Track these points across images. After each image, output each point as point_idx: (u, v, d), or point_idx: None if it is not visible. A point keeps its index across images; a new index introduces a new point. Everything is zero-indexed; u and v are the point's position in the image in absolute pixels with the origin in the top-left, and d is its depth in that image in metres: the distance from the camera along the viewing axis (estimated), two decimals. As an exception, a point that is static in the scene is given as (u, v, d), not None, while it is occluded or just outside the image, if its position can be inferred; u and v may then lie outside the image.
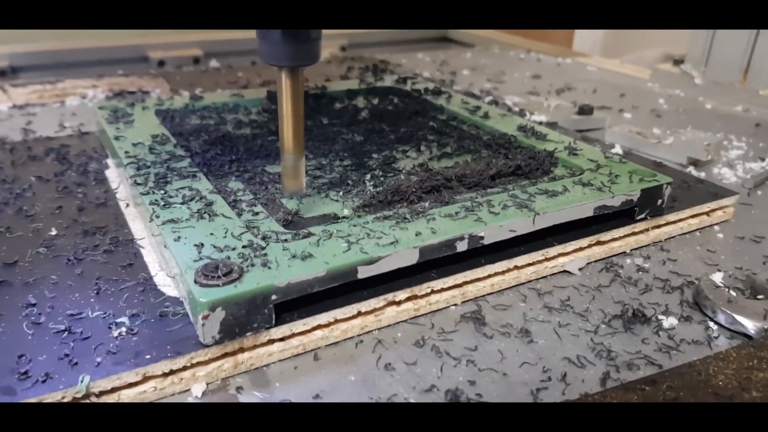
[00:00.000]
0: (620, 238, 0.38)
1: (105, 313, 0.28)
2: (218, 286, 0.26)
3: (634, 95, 0.72)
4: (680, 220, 0.40)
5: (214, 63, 0.79)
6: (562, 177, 0.39)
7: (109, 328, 0.27)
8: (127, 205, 0.38)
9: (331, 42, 0.92)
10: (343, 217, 0.34)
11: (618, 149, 0.50)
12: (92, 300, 0.29)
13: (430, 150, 0.44)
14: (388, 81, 0.58)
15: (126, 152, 0.39)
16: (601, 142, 0.53)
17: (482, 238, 0.32)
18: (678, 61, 0.85)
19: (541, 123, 0.52)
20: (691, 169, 0.50)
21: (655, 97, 0.72)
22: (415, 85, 0.57)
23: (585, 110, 0.60)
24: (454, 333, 0.30)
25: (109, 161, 0.44)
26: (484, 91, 0.69)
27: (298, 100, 0.33)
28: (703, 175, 0.49)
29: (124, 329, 0.27)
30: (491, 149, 0.43)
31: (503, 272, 0.34)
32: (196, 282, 0.26)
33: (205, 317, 0.26)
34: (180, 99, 0.50)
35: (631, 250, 0.38)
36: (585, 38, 1.30)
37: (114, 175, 0.42)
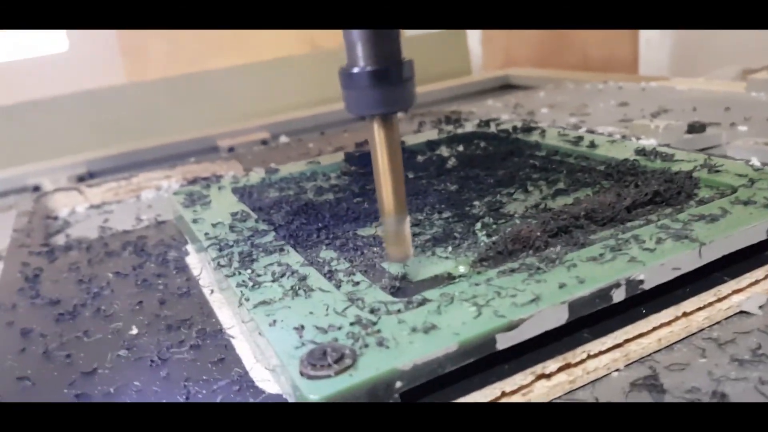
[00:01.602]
0: (800, 263, 0.30)
1: (198, 424, 0.23)
2: (329, 376, 0.21)
3: (740, 108, 0.65)
4: None
5: (283, 138, 0.78)
6: (711, 199, 0.32)
7: (204, 442, 0.22)
8: (212, 291, 0.34)
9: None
10: (460, 276, 0.28)
11: (756, 162, 0.42)
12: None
13: (540, 189, 0.38)
14: (469, 127, 0.53)
15: (206, 234, 0.35)
16: (730, 158, 0.45)
17: (642, 282, 0.25)
18: (775, 68, 0.77)
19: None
20: None
21: (764, 106, 0.64)
22: (500, 126, 0.52)
23: (696, 128, 0.53)
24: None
25: (189, 247, 0.40)
26: (570, 126, 0.63)
27: (395, 152, 0.28)
28: None
29: (221, 443, 0.22)
30: (613, 179, 0.37)
31: (669, 322, 0.27)
32: (302, 374, 0.21)
33: (319, 419, 0.20)
34: (255, 174, 0.47)
35: (815, 276, 0.30)
36: (649, 65, 1.23)
37: (195, 261, 0.39)
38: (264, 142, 0.81)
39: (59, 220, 0.53)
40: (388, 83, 0.27)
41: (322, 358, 0.22)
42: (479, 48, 1.25)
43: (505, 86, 1.06)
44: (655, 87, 0.78)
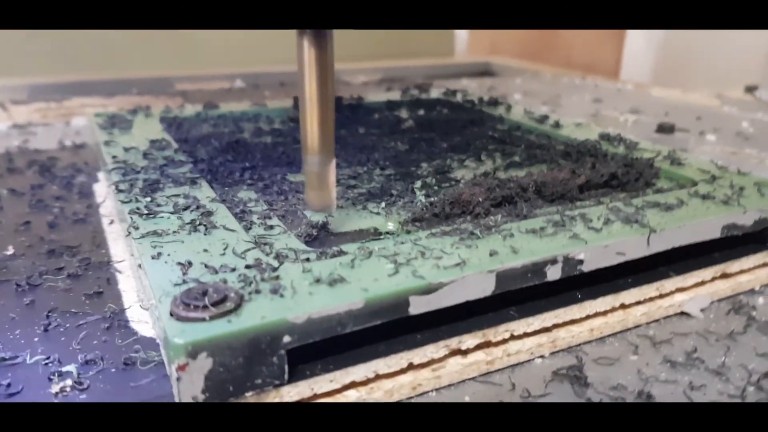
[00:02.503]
0: (750, 270, 0.28)
1: (48, 358, 0.20)
2: (204, 320, 0.18)
3: (711, 118, 0.63)
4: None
5: (239, 83, 0.73)
6: (669, 190, 0.30)
7: (50, 379, 0.19)
8: (111, 221, 0.30)
9: (365, 78, 0.85)
10: (387, 233, 0.25)
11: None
12: (36, 339, 0.21)
13: (494, 160, 0.35)
14: (435, 94, 0.50)
15: (114, 157, 0.31)
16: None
17: (581, 262, 0.23)
18: (750, 89, 0.77)
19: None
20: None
21: (736, 120, 0.63)
22: (467, 96, 0.49)
23: (665, 128, 0.51)
24: (544, 397, 0.21)
25: (101, 174, 0.36)
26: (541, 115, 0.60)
27: (327, 79, 0.24)
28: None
29: (69, 382, 0.19)
30: (571, 159, 0.34)
31: (605, 312, 0.25)
32: (172, 315, 0.18)
33: (181, 367, 0.17)
34: (191, 108, 0.43)
35: (761, 286, 0.28)
36: (631, 75, 1.23)
37: (103, 189, 0.35)
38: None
39: (-27, 135, 0.48)
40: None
41: (199, 299, 0.18)
42: (465, 32, 1.22)
43: (485, 73, 1.03)
44: (631, 89, 0.77)
